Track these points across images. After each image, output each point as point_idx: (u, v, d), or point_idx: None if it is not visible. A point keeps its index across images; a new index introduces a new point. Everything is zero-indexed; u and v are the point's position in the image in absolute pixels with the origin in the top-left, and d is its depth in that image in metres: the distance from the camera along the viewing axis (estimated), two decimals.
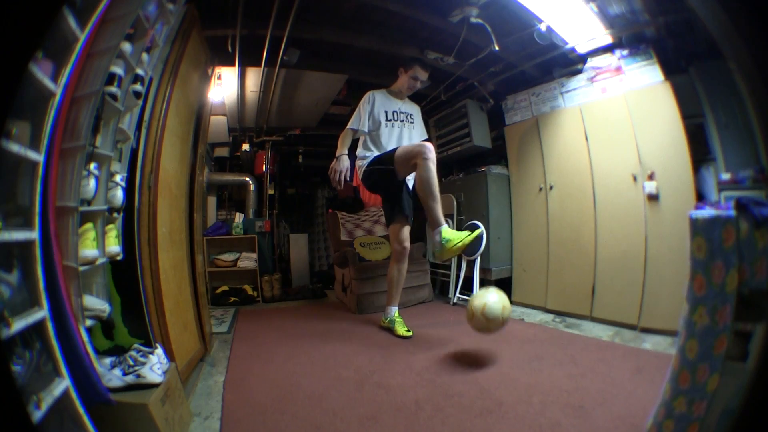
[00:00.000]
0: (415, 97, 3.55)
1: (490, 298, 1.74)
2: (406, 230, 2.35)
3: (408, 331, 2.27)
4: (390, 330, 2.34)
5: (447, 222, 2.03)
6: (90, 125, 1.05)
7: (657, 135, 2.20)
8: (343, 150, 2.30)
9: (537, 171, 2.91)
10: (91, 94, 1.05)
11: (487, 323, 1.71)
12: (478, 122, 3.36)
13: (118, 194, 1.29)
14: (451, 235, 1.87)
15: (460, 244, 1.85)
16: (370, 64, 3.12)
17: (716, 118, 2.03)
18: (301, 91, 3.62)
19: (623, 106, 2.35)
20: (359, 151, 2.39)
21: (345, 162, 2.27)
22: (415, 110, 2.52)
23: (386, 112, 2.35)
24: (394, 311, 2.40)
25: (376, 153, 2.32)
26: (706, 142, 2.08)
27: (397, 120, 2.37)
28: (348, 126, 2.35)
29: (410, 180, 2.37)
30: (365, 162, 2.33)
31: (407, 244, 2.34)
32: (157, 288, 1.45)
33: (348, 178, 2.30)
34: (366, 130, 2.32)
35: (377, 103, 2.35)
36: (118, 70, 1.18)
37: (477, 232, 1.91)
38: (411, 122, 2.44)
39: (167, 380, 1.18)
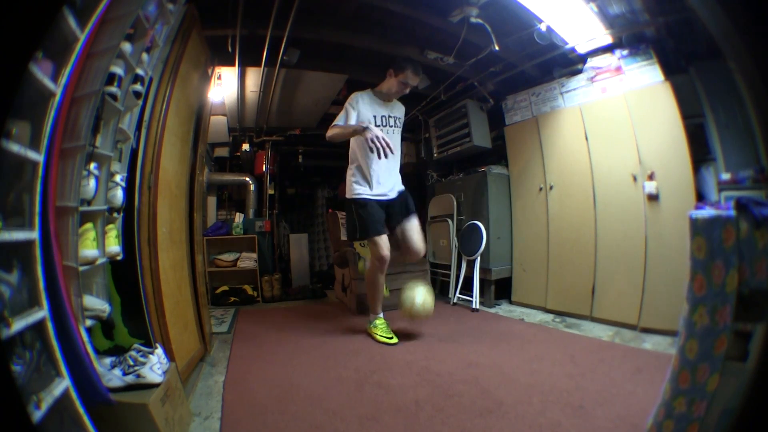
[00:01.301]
0: (415, 97, 3.55)
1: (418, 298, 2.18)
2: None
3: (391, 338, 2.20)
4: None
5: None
6: (90, 125, 1.05)
7: (657, 135, 2.20)
8: (354, 126, 2.13)
9: (537, 171, 2.91)
10: (91, 94, 1.05)
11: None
12: (478, 122, 3.36)
13: (118, 194, 1.29)
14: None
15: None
16: (370, 64, 3.12)
17: (716, 118, 2.03)
18: (301, 91, 3.62)
19: (623, 106, 2.35)
20: (352, 168, 2.31)
21: (374, 127, 2.04)
22: (401, 112, 2.41)
23: (375, 117, 2.23)
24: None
25: (367, 193, 2.23)
26: (706, 142, 2.08)
27: (386, 126, 2.26)
28: (334, 123, 2.22)
29: (392, 191, 2.30)
30: (353, 193, 2.26)
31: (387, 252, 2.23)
32: (157, 288, 1.45)
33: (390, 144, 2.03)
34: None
35: (365, 106, 2.22)
36: (118, 70, 1.18)
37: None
38: (398, 127, 2.35)
39: (167, 380, 1.18)
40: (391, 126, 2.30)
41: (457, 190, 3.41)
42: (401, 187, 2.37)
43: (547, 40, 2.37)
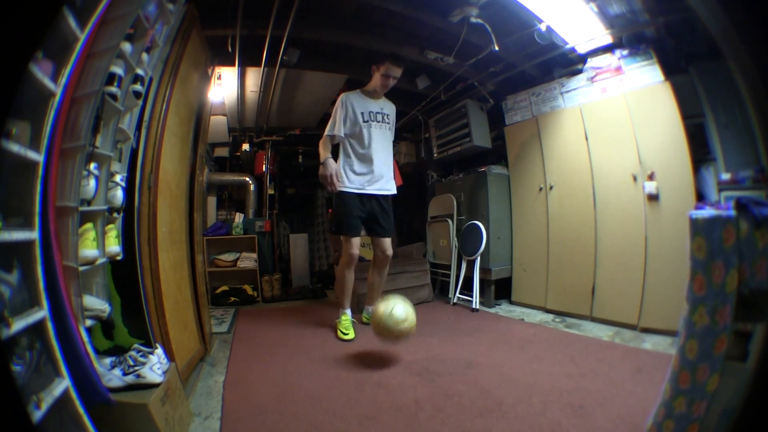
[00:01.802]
0: (415, 97, 3.55)
1: (398, 308, 1.84)
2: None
3: (346, 334, 2.29)
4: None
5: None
6: (90, 125, 1.05)
7: (657, 135, 2.20)
8: (326, 154, 2.28)
9: (537, 171, 2.91)
10: (91, 94, 1.05)
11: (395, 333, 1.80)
12: (478, 122, 3.36)
13: (118, 194, 1.29)
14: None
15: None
16: (370, 64, 3.11)
17: (716, 118, 2.03)
18: (301, 91, 3.61)
19: (623, 106, 2.35)
20: (341, 162, 2.36)
21: (331, 165, 2.26)
22: (392, 110, 2.46)
23: (362, 113, 2.30)
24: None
25: (347, 186, 2.31)
26: (706, 142, 2.08)
27: (374, 120, 2.33)
28: (325, 133, 2.32)
29: (381, 191, 2.38)
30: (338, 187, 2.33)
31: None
32: (157, 288, 1.45)
33: (339, 179, 2.31)
34: (342, 135, 2.30)
35: (352, 105, 2.30)
36: (118, 70, 1.18)
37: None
38: (388, 123, 2.40)
39: (167, 380, 1.18)
40: (379, 121, 2.36)
41: (457, 190, 3.41)
42: (390, 189, 2.42)
43: (547, 40, 2.37)
